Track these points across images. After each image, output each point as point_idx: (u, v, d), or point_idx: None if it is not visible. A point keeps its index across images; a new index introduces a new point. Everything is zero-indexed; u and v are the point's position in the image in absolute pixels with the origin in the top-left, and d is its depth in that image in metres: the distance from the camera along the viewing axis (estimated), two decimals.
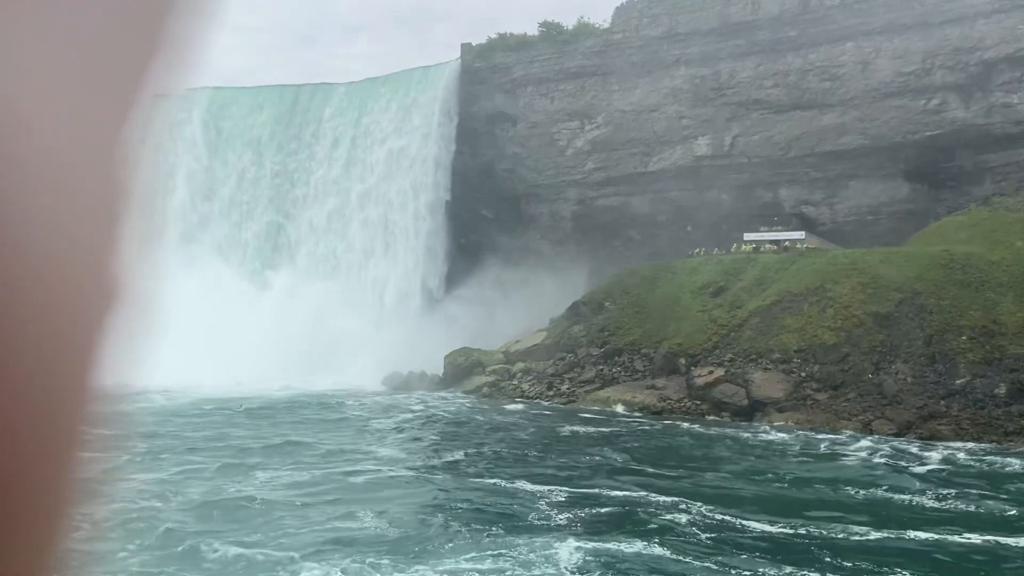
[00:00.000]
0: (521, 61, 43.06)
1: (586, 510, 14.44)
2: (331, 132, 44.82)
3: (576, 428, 24.64)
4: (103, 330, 0.42)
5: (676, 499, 15.13)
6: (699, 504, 14.79)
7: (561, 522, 13.74)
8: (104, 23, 0.42)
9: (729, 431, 24.33)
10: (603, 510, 14.49)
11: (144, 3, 0.44)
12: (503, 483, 16.48)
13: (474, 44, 44.24)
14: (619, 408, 28.78)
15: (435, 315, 41.43)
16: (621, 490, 16.00)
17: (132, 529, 11.95)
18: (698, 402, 27.93)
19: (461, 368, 35.24)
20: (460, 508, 14.50)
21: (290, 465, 17.85)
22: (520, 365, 34.70)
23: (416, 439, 22.48)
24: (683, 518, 13.94)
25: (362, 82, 45.53)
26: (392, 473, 17.40)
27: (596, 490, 16.03)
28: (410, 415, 27.15)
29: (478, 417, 27.05)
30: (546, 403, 30.75)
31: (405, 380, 35.53)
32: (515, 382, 33.63)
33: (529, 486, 16.17)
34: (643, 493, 15.65)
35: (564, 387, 32.14)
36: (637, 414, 27.89)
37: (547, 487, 16.11)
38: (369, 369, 35.97)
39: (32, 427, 0.39)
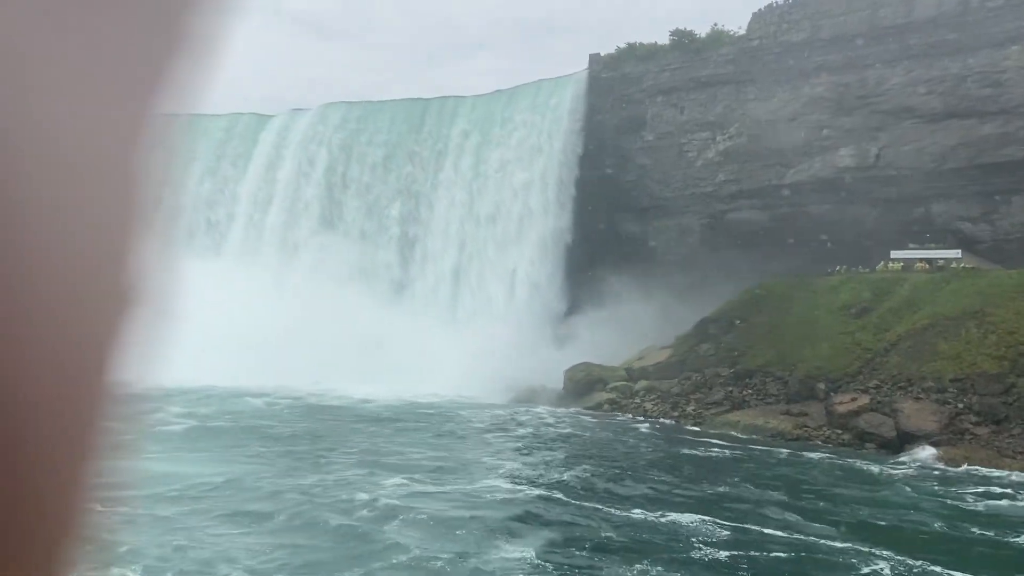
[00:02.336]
0: (651, 71, 41.97)
1: (752, 552, 13.16)
2: (458, 144, 45.09)
3: (710, 452, 23.30)
4: (119, 331, 0.42)
5: (849, 545, 13.65)
6: (883, 550, 13.26)
7: (724, 561, 12.63)
8: (124, 22, 0.42)
9: (879, 465, 22.26)
10: (770, 554, 13.16)
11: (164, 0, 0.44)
12: (650, 514, 15.39)
13: (602, 55, 43.49)
14: (751, 433, 27.12)
15: (555, 328, 40.78)
16: (784, 529, 14.61)
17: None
18: (839, 431, 25.90)
19: (581, 384, 34.43)
20: (614, 543, 13.55)
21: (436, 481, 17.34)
22: (643, 383, 33.52)
23: (549, 459, 21.51)
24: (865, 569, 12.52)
25: (490, 95, 45.63)
26: (528, 493, 16.66)
27: (754, 527, 14.67)
28: (535, 430, 26.51)
29: (604, 434, 26.11)
30: (670, 423, 29.53)
31: (525, 393, 35.02)
32: (638, 400, 32.48)
33: (678, 517, 15.12)
34: (811, 538, 14.10)
35: (690, 408, 30.73)
36: (771, 440, 26.15)
37: (698, 519, 14.97)
38: (488, 381, 35.67)
39: (48, 427, 0.39)
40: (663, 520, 15.02)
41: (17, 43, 0.38)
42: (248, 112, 51.85)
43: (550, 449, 23.13)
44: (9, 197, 0.37)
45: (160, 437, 19.87)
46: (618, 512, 15.48)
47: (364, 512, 14.37)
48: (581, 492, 17.10)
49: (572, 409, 32.35)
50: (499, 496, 16.29)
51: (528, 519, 14.62)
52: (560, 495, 16.69)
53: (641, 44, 42.80)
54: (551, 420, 29.08)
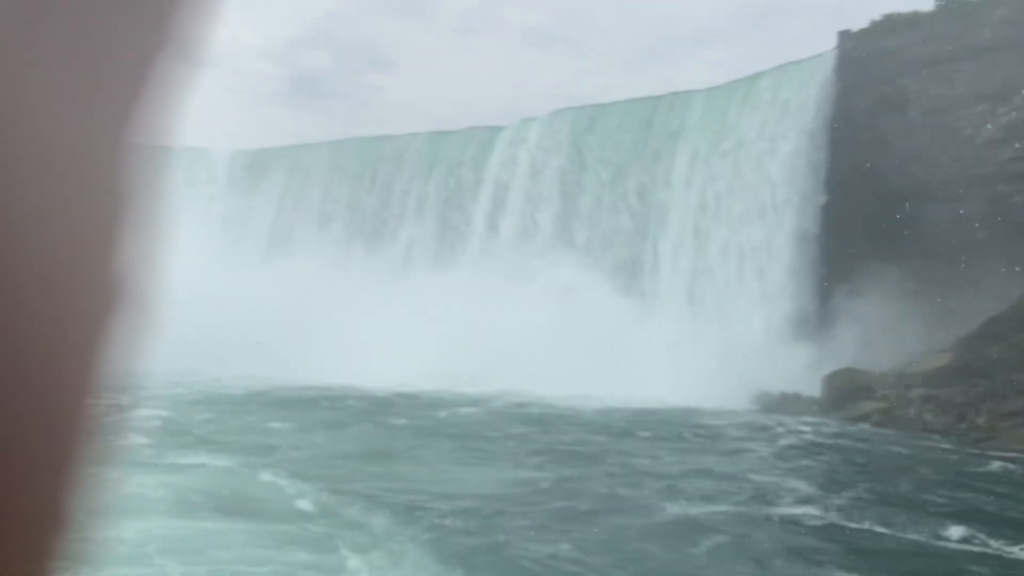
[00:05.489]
0: (912, 42, 37.61)
1: None
2: (693, 137, 43.19)
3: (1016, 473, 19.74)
4: (106, 329, 0.42)
5: None
6: None
7: None
8: (108, 17, 0.42)
9: None
10: None
11: None
12: (974, 546, 12.99)
13: (854, 30, 39.73)
14: None
15: (805, 330, 37.59)
16: None
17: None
18: None
19: (843, 391, 31.22)
20: None
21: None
22: (918, 391, 29.68)
23: (837, 479, 19.03)
24: None
25: (725, 85, 43.30)
26: (818, 521, 14.71)
27: None
28: (803, 443, 24.12)
29: (890, 449, 23.16)
30: (953, 436, 25.87)
31: (777, 401, 32.42)
32: (912, 410, 28.80)
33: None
34: None
35: (980, 419, 26.70)
36: None
37: None
38: (729, 387, 33.47)
39: (36, 427, 0.39)
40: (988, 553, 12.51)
41: (2, 42, 0.38)
42: (482, 126, 53.32)
43: (835, 467, 20.65)
44: None
45: (426, 441, 20.13)
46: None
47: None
48: (893, 520, 14.71)
49: (835, 420, 29.36)
50: (810, 524, 14.45)
51: (843, 549, 12.78)
52: (875, 525, 14.48)
53: (898, 14, 38.57)
54: (827, 433, 26.49)
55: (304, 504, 13.85)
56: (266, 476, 15.78)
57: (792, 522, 14.19)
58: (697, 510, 14.73)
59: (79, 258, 0.40)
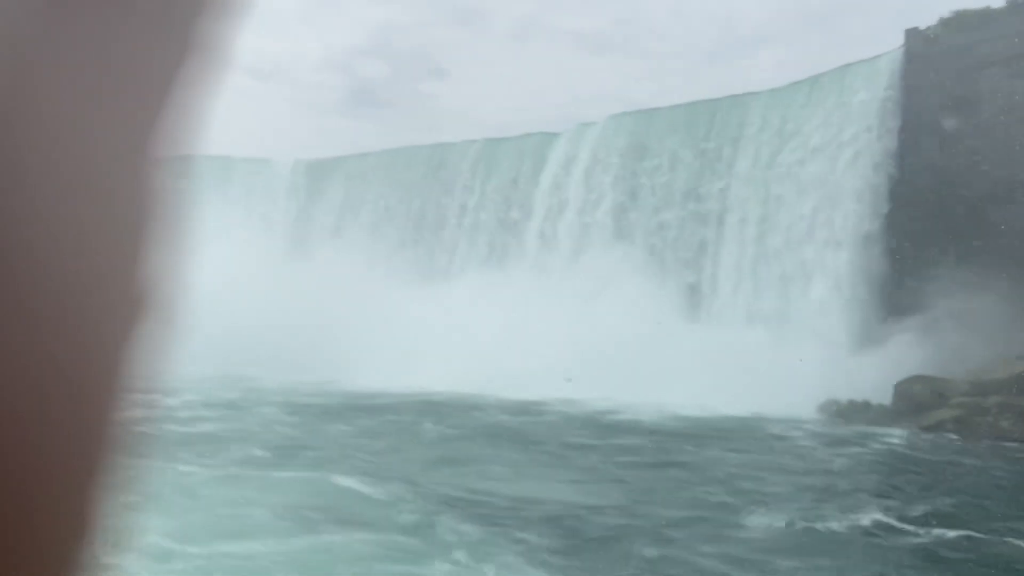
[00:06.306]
0: (985, 39, 36.52)
1: None
2: (754, 141, 42.53)
3: None
4: (131, 336, 0.42)
5: None
6: None
7: None
8: (134, 26, 0.42)
9: None
10: None
11: (174, 3, 0.44)
12: None
13: (921, 28, 38.76)
14: None
15: (872, 336, 36.66)
16: None
17: None
18: None
19: (915, 399, 30.36)
20: None
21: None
22: (995, 398, 28.74)
23: (938, 490, 18.35)
24: None
25: (787, 87, 42.56)
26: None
27: None
28: (891, 453, 23.47)
29: (979, 461, 22.39)
30: None
31: (845, 409, 31.66)
32: (990, 419, 27.89)
33: None
34: None
35: None
36: None
37: None
38: (794, 394, 32.74)
39: (61, 431, 0.39)
40: None
41: (26, 48, 0.38)
42: (536, 132, 53.33)
43: (930, 477, 20.02)
44: (20, 202, 0.37)
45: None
46: None
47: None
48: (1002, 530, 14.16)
49: (908, 429, 28.55)
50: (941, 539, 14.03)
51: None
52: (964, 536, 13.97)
53: (969, 10, 37.51)
54: (907, 442, 25.84)
55: (403, 515, 13.80)
56: (347, 483, 15.82)
57: (901, 533, 13.76)
58: (804, 522, 14.30)
59: (103, 265, 0.40)
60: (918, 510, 15.42)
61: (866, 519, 14.60)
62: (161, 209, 0.42)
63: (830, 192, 39.40)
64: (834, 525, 14.11)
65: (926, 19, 40.24)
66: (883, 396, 31.59)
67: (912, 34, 39.08)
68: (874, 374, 32.71)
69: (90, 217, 0.40)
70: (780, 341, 37.25)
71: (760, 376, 34.45)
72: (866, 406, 31.36)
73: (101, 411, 0.41)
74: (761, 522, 14.09)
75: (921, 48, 38.45)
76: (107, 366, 0.41)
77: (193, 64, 0.43)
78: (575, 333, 37.78)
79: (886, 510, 15.30)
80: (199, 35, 0.44)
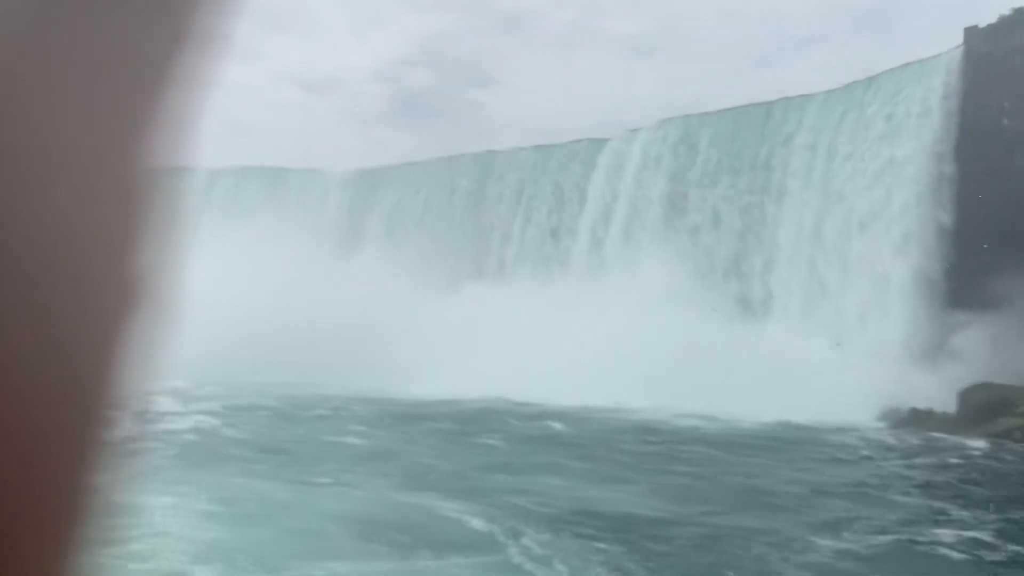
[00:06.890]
0: None
1: None
2: (809, 143, 41.90)
3: None
4: (123, 331, 0.41)
5: None
6: None
7: None
8: (127, 19, 0.42)
9: None
10: None
11: None
12: None
13: (980, 26, 37.87)
14: None
15: (934, 341, 35.84)
16: None
17: None
18: None
19: (981, 407, 29.59)
20: None
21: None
22: None
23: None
24: None
25: (842, 88, 41.85)
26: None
27: None
28: (970, 464, 22.83)
29: None
30: None
31: (907, 417, 31.02)
32: None
33: None
34: None
35: None
36: None
37: None
38: (854, 402, 32.12)
39: (50, 429, 0.39)
40: None
41: (18, 41, 0.38)
42: (584, 138, 53.25)
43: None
44: (11, 196, 0.37)
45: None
46: None
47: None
48: None
49: (974, 437, 27.83)
50: None
51: None
52: None
53: None
54: (978, 452, 25.18)
55: (475, 524, 13.59)
56: (403, 497, 15.52)
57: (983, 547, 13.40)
58: (883, 535, 13.98)
59: (95, 260, 0.40)
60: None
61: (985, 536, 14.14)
62: (155, 204, 0.42)
63: (888, 195, 38.63)
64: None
65: (985, 17, 39.19)
66: (944, 404, 30.88)
67: (971, 32, 38.21)
68: (935, 381, 32.05)
69: (82, 212, 0.39)
70: (837, 349, 36.58)
71: (817, 383, 33.87)
72: (929, 414, 30.66)
73: (92, 405, 0.41)
74: (866, 539, 13.72)
75: (980, 47, 37.57)
76: (99, 363, 0.40)
77: (186, 57, 0.43)
78: (627, 340, 37.54)
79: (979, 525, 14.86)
80: (192, 27, 0.43)
